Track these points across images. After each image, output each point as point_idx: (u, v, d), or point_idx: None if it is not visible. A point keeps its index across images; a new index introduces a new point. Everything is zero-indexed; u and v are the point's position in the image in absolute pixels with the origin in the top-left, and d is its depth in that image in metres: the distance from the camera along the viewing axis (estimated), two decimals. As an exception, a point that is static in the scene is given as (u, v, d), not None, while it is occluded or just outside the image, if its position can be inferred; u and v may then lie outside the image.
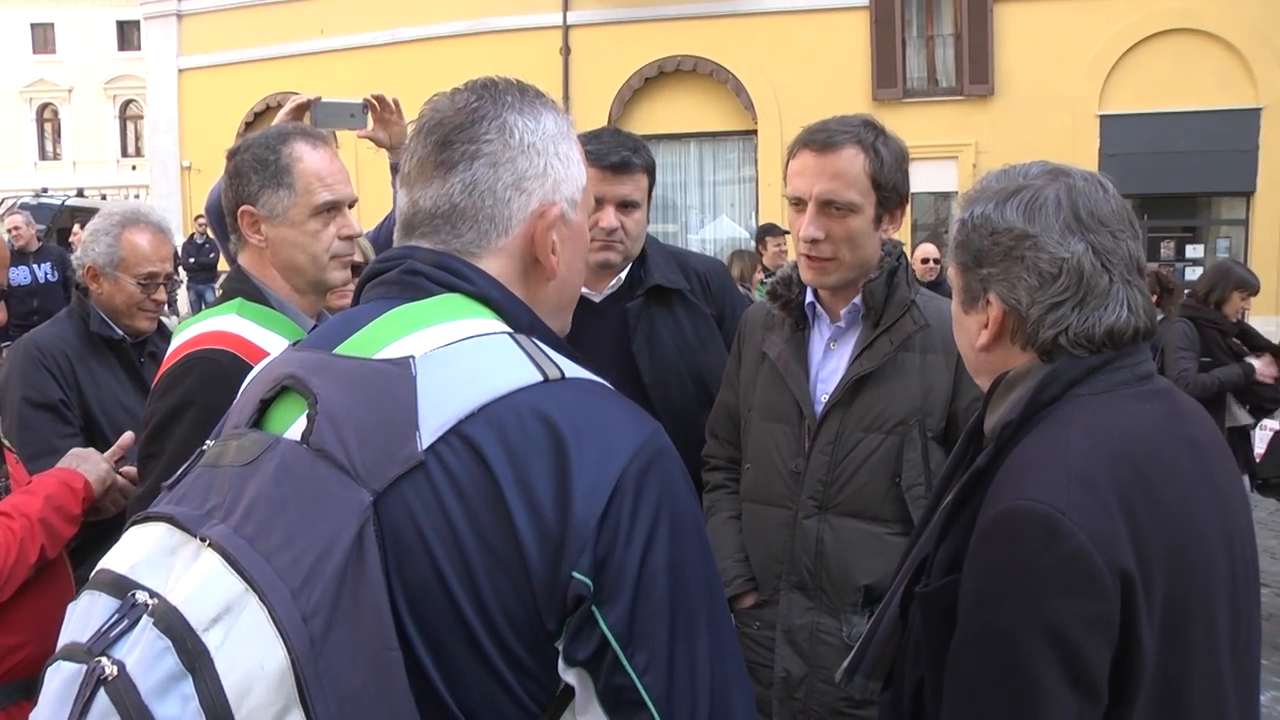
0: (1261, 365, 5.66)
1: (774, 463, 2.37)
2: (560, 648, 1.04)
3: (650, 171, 2.73)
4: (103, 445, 2.86)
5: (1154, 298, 6.36)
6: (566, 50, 19.48)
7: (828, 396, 2.32)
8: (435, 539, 1.02)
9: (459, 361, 1.10)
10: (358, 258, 3.26)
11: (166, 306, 3.11)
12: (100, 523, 2.52)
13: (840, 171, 2.19)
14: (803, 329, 2.41)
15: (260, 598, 0.95)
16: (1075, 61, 17.35)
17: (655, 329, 2.73)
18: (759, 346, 2.48)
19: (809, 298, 2.39)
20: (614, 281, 2.76)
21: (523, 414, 1.05)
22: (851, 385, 2.27)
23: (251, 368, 1.96)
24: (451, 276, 1.19)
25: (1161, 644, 1.29)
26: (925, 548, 1.48)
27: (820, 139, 2.22)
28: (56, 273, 9.72)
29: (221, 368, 1.95)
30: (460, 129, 1.23)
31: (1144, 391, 1.43)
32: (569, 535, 1.01)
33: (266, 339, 2.02)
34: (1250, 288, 5.93)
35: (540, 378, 1.09)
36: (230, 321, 2.06)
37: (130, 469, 2.41)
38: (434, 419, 1.04)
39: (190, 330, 2.10)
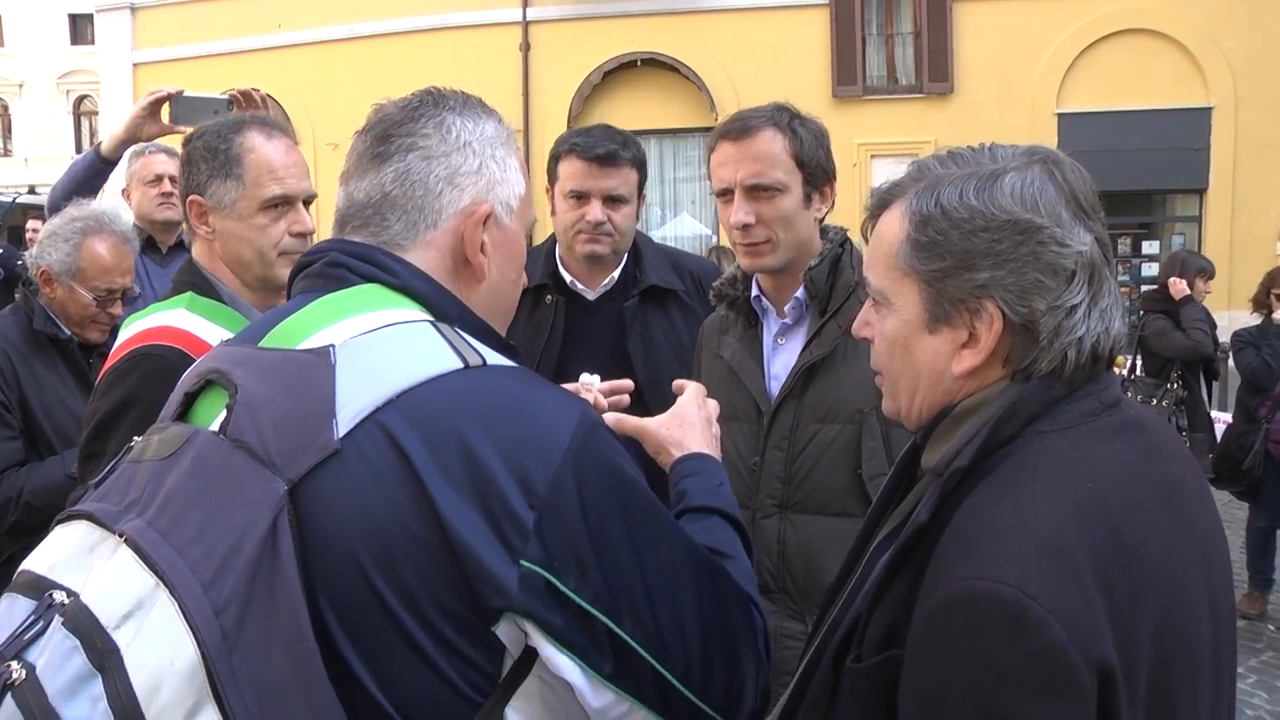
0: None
1: (732, 462, 2.29)
2: (549, 645, 1.04)
3: (639, 166, 2.72)
4: (45, 448, 2.78)
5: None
6: (526, 46, 19.37)
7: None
8: (352, 527, 1.01)
9: (377, 348, 1.10)
10: None
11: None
12: (31, 532, 2.44)
13: (761, 153, 2.18)
14: (755, 326, 2.37)
15: (170, 592, 0.94)
16: (1033, 60, 17.53)
17: (650, 328, 2.74)
18: (715, 351, 2.44)
19: (754, 291, 2.35)
20: (607, 280, 2.75)
21: (441, 401, 1.05)
22: (803, 374, 2.21)
23: (200, 365, 1.93)
24: (373, 268, 1.20)
25: None
26: (859, 607, 1.22)
27: (736, 127, 2.22)
28: (1, 271, 9.49)
29: (168, 364, 1.87)
30: (399, 124, 1.26)
31: (1115, 424, 1.19)
32: (505, 524, 1.02)
33: (216, 335, 1.95)
34: (1208, 272, 6.26)
35: (460, 364, 1.09)
36: (179, 316, 1.99)
37: None
38: (351, 407, 1.04)
39: (137, 325, 2.03)
